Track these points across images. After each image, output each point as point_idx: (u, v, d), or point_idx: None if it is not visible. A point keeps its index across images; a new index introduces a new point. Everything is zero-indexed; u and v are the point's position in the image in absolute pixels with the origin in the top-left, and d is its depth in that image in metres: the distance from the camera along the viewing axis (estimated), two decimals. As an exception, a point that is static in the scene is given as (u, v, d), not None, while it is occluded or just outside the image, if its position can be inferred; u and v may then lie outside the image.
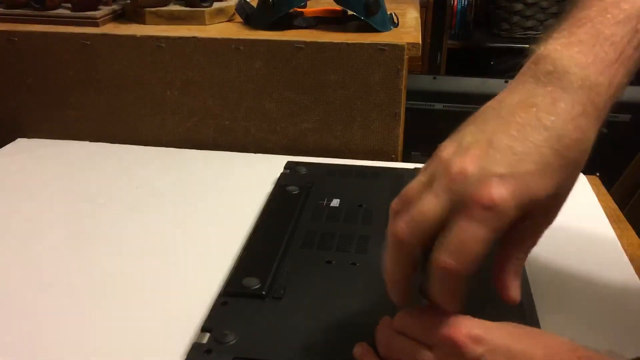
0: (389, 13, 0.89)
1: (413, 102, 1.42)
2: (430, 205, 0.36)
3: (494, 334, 0.38)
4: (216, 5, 0.92)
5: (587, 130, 0.36)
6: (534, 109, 0.36)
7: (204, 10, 0.89)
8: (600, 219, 0.69)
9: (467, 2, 2.44)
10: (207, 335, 0.48)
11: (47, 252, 0.63)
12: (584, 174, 0.77)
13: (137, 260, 0.62)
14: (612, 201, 0.75)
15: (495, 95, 0.38)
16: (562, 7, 2.10)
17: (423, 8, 2.13)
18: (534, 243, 0.38)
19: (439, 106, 1.47)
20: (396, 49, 0.81)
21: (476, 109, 0.39)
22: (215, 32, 0.87)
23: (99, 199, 0.74)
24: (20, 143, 0.91)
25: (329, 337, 0.48)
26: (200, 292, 0.56)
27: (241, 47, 0.84)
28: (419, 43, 0.82)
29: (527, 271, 0.56)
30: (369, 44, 0.81)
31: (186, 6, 0.91)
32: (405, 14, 0.96)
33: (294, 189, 0.71)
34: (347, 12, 0.91)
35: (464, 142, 0.36)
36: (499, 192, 0.34)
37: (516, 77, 0.38)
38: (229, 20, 0.93)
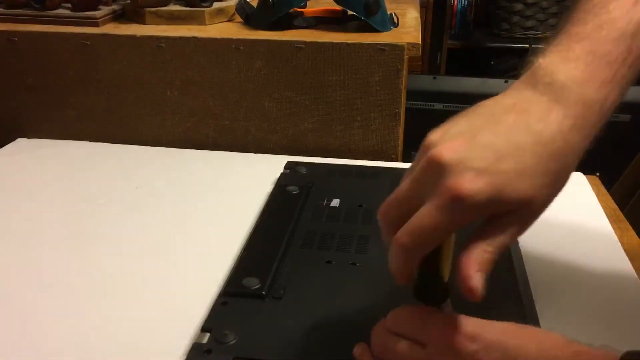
0: (389, 13, 0.89)
1: (413, 102, 1.42)
2: (405, 190, 0.38)
3: (488, 331, 0.38)
4: (216, 5, 0.92)
5: (574, 145, 0.36)
6: (526, 114, 0.36)
7: (204, 10, 0.89)
8: (600, 219, 0.69)
9: (467, 2, 2.44)
10: (207, 335, 0.48)
11: (47, 252, 0.63)
12: (584, 174, 0.77)
13: (137, 260, 0.62)
14: (612, 201, 0.75)
15: (495, 95, 0.39)
16: (562, 7, 2.10)
17: (423, 8, 2.13)
18: (505, 242, 0.36)
19: (439, 106, 1.47)
20: (396, 49, 0.81)
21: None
22: (215, 32, 0.87)
23: (99, 199, 0.74)
24: (20, 143, 0.91)
25: (329, 337, 0.48)
26: (200, 292, 0.56)
27: (241, 47, 0.84)
28: (419, 43, 0.82)
29: (527, 271, 0.56)
30: (369, 44, 0.81)
31: (186, 6, 0.91)
32: (405, 14, 0.96)
33: (294, 189, 0.71)
34: (347, 12, 0.91)
35: (451, 131, 0.37)
36: (470, 187, 0.34)
37: (515, 82, 0.39)
38: (229, 20, 0.93)
